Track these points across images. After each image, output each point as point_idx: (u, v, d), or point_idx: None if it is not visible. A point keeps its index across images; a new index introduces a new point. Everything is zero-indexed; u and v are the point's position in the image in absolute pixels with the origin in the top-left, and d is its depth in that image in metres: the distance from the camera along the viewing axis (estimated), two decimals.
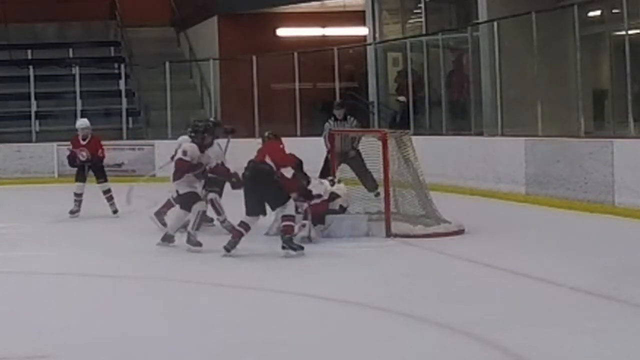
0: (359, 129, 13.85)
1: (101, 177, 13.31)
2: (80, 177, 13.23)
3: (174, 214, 10.59)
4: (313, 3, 21.16)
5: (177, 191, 10.31)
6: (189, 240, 10.05)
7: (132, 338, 6.45)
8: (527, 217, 12.28)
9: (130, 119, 21.45)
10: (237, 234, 9.71)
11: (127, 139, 20.63)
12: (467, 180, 14.93)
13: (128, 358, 6.07)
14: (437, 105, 16.92)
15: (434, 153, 14.59)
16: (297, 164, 9.98)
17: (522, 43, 14.57)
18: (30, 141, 20.48)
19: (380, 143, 10.97)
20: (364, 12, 19.76)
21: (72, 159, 13.32)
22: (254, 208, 9.67)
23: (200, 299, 7.80)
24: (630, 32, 12.68)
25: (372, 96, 19.01)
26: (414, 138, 11.59)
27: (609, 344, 6.03)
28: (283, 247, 9.52)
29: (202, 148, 10.35)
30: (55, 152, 19.60)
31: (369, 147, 11.70)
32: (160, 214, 11.44)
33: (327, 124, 13.26)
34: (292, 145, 10.29)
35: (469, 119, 16.22)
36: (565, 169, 12.86)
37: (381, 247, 10.06)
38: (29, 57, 22.40)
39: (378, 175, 11.37)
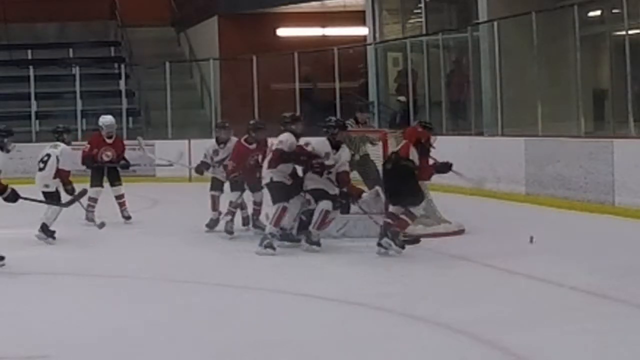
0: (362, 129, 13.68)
1: (117, 179, 12.44)
2: (99, 182, 12.34)
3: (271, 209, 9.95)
4: (313, 3, 21.18)
5: (271, 178, 9.81)
6: (308, 240, 9.69)
7: (132, 338, 6.45)
8: (527, 217, 12.26)
9: (130, 119, 21.42)
10: (404, 224, 9.38)
11: (127, 139, 20.54)
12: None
13: (128, 358, 6.07)
14: (437, 105, 16.92)
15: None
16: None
17: (522, 43, 14.58)
18: (30, 141, 20.41)
19: (380, 143, 10.97)
20: (364, 12, 19.78)
21: (92, 159, 12.40)
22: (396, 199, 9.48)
23: (200, 299, 7.79)
24: (630, 32, 12.68)
25: (372, 96, 19.01)
26: None
27: (609, 344, 6.03)
28: (381, 243, 9.38)
29: (334, 145, 9.75)
30: None
31: (370, 147, 11.67)
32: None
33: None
34: None
35: (469, 119, 16.22)
36: (565, 169, 12.86)
37: None
38: (29, 57, 22.45)
39: (378, 175, 11.33)
